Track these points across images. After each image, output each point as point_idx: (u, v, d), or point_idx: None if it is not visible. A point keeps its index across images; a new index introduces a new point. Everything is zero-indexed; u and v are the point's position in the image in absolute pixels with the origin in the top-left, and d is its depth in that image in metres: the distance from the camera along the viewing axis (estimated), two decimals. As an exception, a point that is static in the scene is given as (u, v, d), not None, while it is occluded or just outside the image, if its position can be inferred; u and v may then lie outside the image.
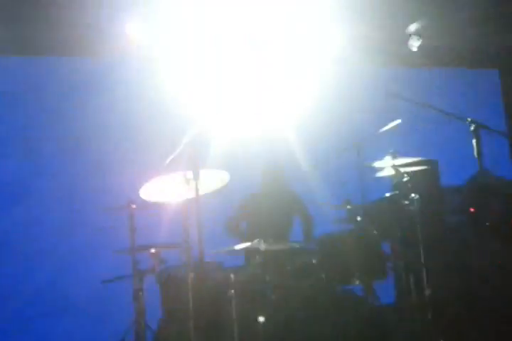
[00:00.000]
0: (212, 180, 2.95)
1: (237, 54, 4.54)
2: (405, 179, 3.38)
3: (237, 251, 3.57)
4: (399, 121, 3.83)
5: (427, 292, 3.19)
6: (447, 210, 4.81)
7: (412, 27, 5.14)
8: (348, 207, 3.56)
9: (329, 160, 4.10)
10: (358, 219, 3.33)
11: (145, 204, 3.22)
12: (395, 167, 3.39)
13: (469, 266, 3.96)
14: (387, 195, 3.40)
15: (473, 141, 3.17)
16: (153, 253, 3.34)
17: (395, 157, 3.57)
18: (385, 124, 3.88)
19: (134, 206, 3.54)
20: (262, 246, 3.10)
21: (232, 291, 3.00)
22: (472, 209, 4.67)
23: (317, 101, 5.14)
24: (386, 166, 3.66)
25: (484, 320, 3.40)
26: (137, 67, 4.61)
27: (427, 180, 4.50)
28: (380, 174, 3.73)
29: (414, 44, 5.19)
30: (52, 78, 4.37)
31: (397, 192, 3.39)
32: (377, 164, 3.69)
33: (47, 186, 4.27)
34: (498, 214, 3.75)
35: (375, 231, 3.11)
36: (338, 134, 5.03)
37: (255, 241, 3.31)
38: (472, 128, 3.18)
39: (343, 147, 3.97)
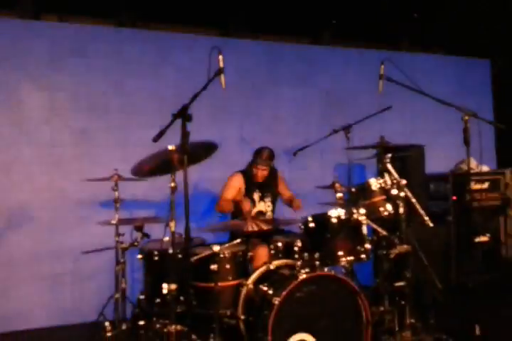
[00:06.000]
0: (201, 152, 2.96)
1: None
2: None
3: (222, 228, 3.59)
4: (390, 107, 3.85)
5: (408, 275, 3.25)
6: (431, 196, 4.89)
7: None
8: (336, 188, 3.58)
9: (318, 141, 4.10)
10: (344, 201, 3.35)
11: (131, 177, 3.17)
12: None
13: (449, 252, 4.04)
14: (374, 178, 3.41)
15: (463, 129, 3.19)
16: (136, 227, 3.32)
17: (383, 142, 3.58)
18: (375, 108, 3.88)
19: (119, 177, 3.50)
20: (247, 226, 3.11)
21: (215, 266, 3.01)
22: (454, 197, 4.76)
23: (310, 82, 5.12)
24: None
25: (463, 304, 3.50)
26: (129, 37, 4.51)
27: (413, 165, 4.56)
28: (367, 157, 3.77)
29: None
30: (42, 44, 4.23)
31: (383, 175, 3.39)
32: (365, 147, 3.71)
33: (32, 154, 4.18)
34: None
35: (359, 213, 3.13)
36: (328, 116, 5.04)
37: (241, 220, 3.33)
38: (462, 116, 3.19)
39: (332, 129, 3.97)
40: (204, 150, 3.04)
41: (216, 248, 3.03)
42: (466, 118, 3.19)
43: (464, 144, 3.19)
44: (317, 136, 4.12)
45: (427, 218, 3.29)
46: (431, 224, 3.29)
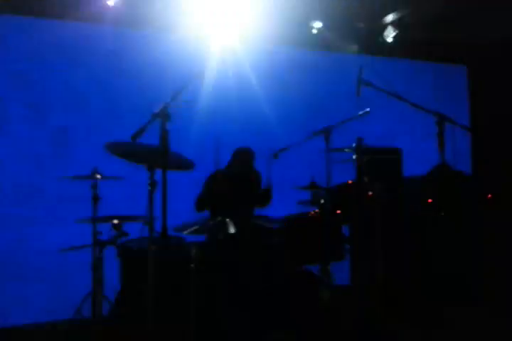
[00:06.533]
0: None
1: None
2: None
3: (202, 227, 3.60)
4: (368, 110, 3.92)
5: (381, 276, 3.32)
6: (406, 199, 4.98)
7: (389, 18, 5.21)
8: (313, 189, 3.64)
9: (298, 143, 4.15)
10: (322, 201, 3.41)
11: (110, 175, 3.18)
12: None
13: (423, 252, 4.14)
14: (351, 180, 3.48)
15: (438, 134, 3.26)
16: (115, 225, 3.32)
17: (360, 144, 3.65)
18: (354, 111, 3.95)
19: (98, 176, 3.50)
20: (227, 225, 3.13)
21: (193, 265, 3.02)
22: (430, 201, 4.85)
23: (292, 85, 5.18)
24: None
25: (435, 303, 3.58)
26: (112, 34, 4.50)
27: (389, 168, 4.65)
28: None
29: (390, 35, 5.27)
30: (22, 40, 4.20)
31: (361, 177, 3.46)
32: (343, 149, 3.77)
33: (10, 150, 4.15)
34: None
35: (336, 214, 3.19)
36: (308, 118, 5.11)
37: (220, 219, 3.34)
38: (437, 121, 3.27)
39: (312, 131, 4.02)
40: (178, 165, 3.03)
41: (193, 248, 3.05)
42: (441, 123, 3.27)
43: (438, 149, 3.27)
44: (298, 138, 4.17)
45: (403, 220, 3.37)
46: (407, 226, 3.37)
